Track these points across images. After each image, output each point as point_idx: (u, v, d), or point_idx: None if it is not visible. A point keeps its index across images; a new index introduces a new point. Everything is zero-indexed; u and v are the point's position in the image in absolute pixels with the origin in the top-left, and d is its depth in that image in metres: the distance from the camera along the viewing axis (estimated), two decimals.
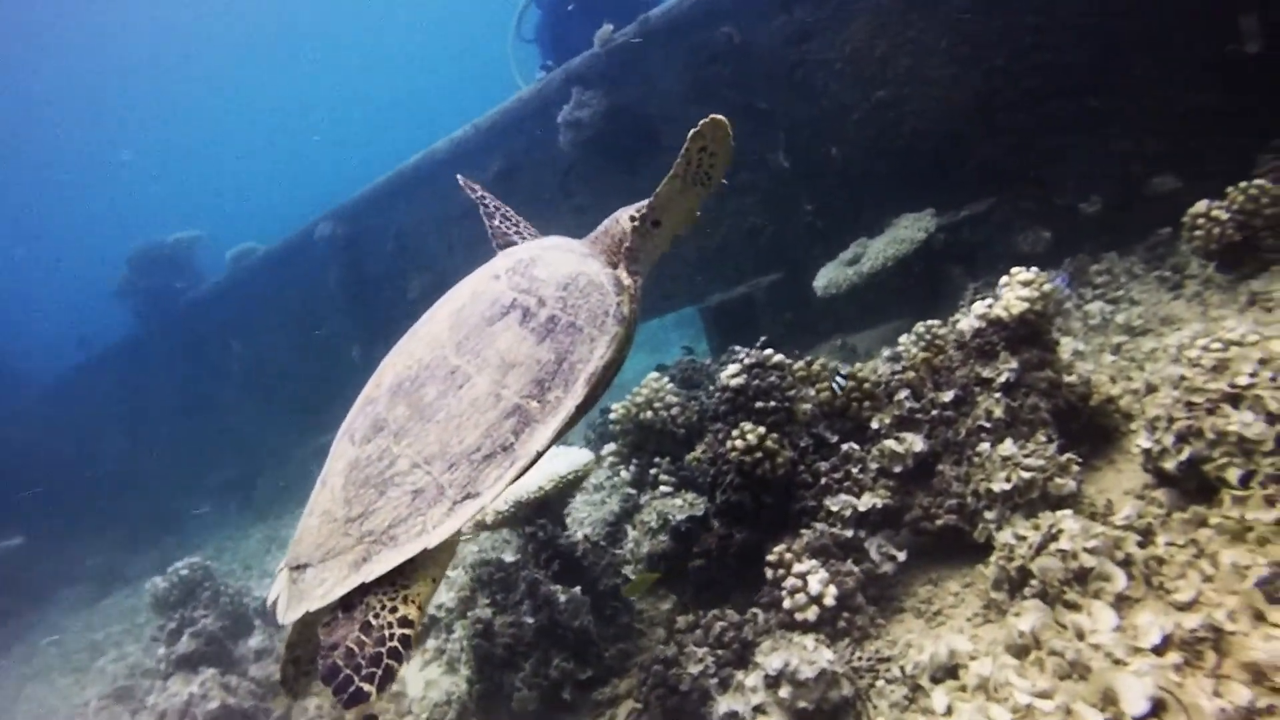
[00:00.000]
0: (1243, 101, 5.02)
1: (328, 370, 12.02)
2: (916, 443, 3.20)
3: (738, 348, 4.00)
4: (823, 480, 3.16)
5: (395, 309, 10.37)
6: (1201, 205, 4.07)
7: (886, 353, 4.20)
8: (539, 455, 2.32)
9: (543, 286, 2.61)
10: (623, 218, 2.96)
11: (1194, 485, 2.79)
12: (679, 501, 3.76)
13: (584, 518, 4.82)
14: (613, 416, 4.51)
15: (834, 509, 3.06)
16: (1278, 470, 2.57)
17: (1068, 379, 3.32)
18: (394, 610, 2.17)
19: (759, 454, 3.12)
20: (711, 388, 3.87)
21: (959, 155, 6.09)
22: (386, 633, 2.13)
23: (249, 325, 12.96)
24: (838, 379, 3.40)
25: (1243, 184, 3.95)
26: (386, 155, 12.43)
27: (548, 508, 3.80)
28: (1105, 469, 3.30)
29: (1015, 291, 3.37)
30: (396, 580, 2.22)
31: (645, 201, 2.67)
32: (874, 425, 3.32)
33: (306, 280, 11.56)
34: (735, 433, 3.20)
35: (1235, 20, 4.82)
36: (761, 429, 3.16)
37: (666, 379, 4.60)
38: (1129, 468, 3.19)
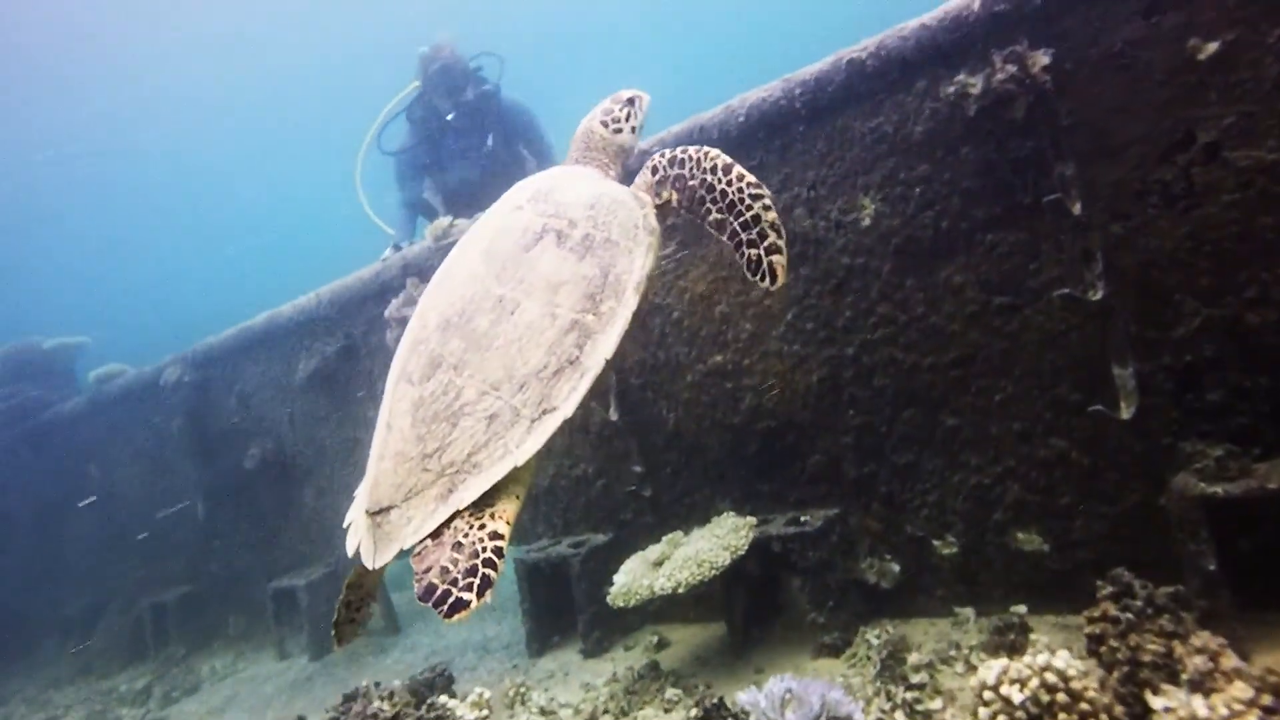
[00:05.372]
0: (1114, 470, 3.89)
1: (174, 520, 10.77)
2: None
3: None
4: None
5: (235, 474, 9.17)
6: (992, 672, 2.82)
7: None
8: (606, 363, 2.34)
9: (569, 209, 2.60)
10: (595, 126, 3.08)
11: None
12: None
13: None
14: None
15: None
16: None
17: None
18: (482, 527, 2.10)
19: None
20: None
21: (801, 447, 4.96)
22: (478, 546, 2.05)
23: (107, 453, 11.75)
24: None
25: (1042, 658, 2.72)
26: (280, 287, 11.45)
27: None
28: None
29: None
30: (479, 503, 2.16)
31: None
32: None
33: (156, 420, 10.43)
34: None
35: (1109, 369, 3.74)
36: None
37: None
38: None
